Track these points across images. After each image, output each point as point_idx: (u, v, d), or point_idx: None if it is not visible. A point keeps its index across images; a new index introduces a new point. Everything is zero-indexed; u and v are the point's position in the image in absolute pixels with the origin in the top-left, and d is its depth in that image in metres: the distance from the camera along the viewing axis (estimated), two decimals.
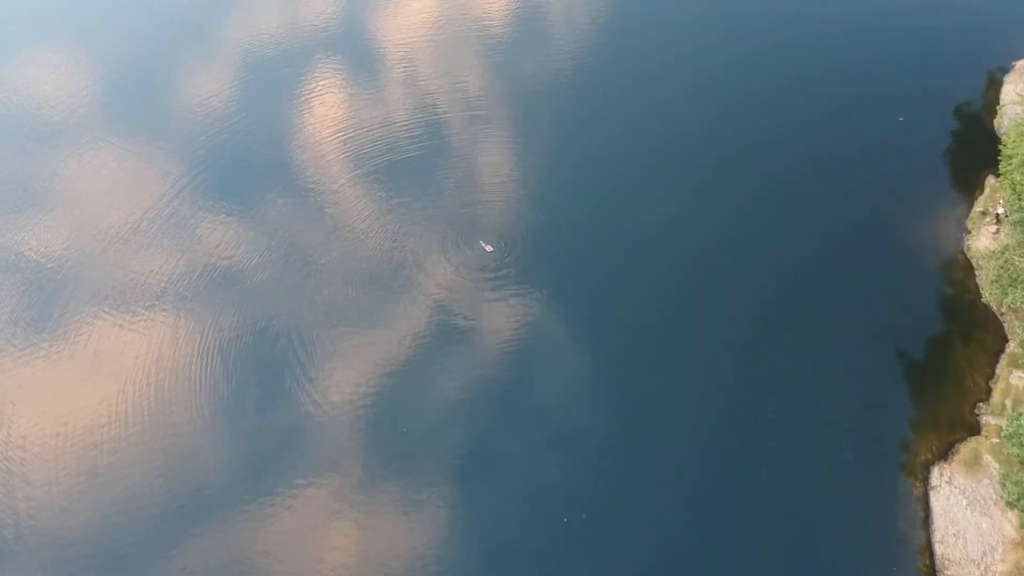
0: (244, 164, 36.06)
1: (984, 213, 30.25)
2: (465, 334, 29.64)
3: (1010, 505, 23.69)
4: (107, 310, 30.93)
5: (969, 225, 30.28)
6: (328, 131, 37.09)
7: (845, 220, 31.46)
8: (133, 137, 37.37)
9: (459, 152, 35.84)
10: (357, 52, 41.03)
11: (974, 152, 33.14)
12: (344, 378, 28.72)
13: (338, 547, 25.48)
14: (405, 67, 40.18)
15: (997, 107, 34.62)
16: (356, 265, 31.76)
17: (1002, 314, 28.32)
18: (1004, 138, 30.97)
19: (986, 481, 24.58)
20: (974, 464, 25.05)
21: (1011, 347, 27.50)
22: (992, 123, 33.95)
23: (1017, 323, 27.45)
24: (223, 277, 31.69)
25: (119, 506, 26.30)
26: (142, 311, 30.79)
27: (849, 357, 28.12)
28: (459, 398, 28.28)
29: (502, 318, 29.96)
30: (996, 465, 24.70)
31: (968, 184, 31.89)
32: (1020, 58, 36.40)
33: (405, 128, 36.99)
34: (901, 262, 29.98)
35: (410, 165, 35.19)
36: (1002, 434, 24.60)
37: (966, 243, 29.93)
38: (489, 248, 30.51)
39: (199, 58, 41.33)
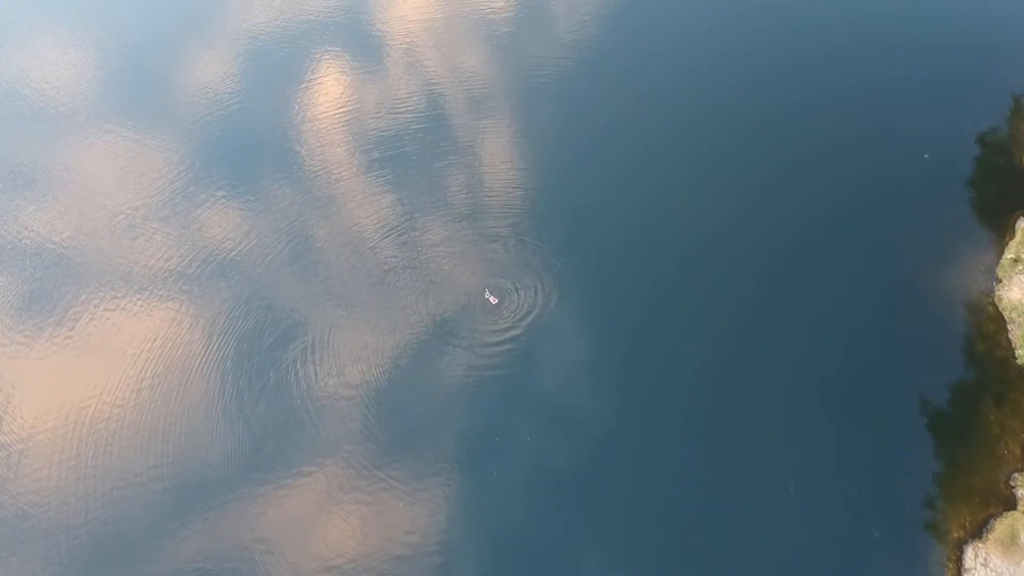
0: (249, 150, 35.96)
1: (1016, 260, 28.53)
2: (469, 325, 29.14)
3: None
4: (109, 296, 31.12)
5: (1000, 273, 28.56)
6: (333, 118, 36.87)
7: (863, 268, 29.78)
8: (136, 122, 37.43)
9: (464, 140, 35.44)
10: (362, 38, 40.53)
11: (1001, 190, 31.41)
12: (347, 365, 28.68)
13: (339, 533, 25.59)
14: (410, 54, 39.66)
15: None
16: (360, 254, 31.65)
17: None
18: None
19: None
20: (1011, 544, 23.57)
21: None
22: (1019, 156, 32.22)
23: None
24: (226, 263, 31.86)
25: (119, 493, 26.64)
26: (145, 297, 31.04)
27: (871, 420, 26.41)
28: (463, 386, 27.97)
29: (506, 313, 29.43)
30: None
31: (996, 226, 30.10)
32: None
33: (410, 116, 36.56)
34: (926, 313, 28.30)
35: (416, 153, 34.90)
36: None
37: (997, 293, 28.20)
38: (494, 300, 28.85)
39: (203, 44, 41.06)
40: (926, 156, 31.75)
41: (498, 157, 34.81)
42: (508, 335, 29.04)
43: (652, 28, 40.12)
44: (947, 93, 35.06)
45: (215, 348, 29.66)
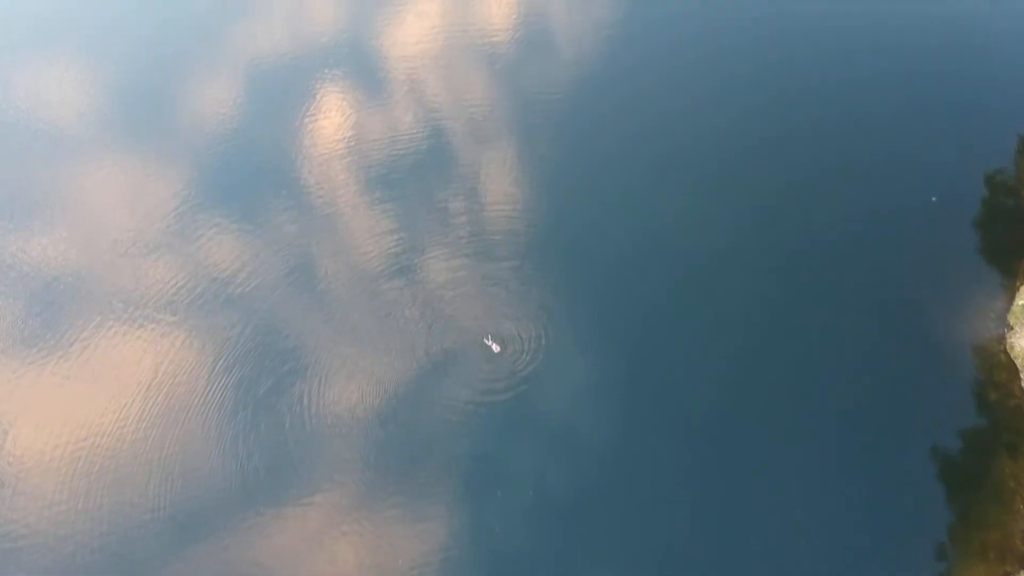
0: (251, 181, 35.69)
1: None
2: (471, 352, 28.82)
3: None
4: (109, 325, 30.68)
5: (1011, 320, 28.06)
6: (336, 149, 36.61)
7: (869, 311, 29.35)
8: (139, 151, 37.09)
9: (465, 169, 35.32)
10: (364, 68, 40.40)
11: (1010, 232, 31.02)
12: (347, 392, 28.23)
13: (339, 559, 25.20)
14: (412, 86, 39.48)
15: None
16: (362, 286, 31.29)
17: None
18: None
19: None
20: None
21: None
22: None
23: None
24: (227, 294, 31.49)
25: (117, 524, 26.15)
26: (145, 327, 30.58)
27: (880, 469, 25.80)
28: (465, 414, 27.56)
29: (510, 322, 29.32)
30: None
31: (1007, 270, 29.64)
32: None
33: (411, 147, 36.34)
34: (935, 360, 27.80)
35: (418, 184, 34.67)
36: None
37: (1008, 341, 27.69)
38: (496, 348, 28.29)
39: (205, 73, 40.86)
40: (934, 199, 31.39)
41: (500, 187, 34.56)
42: (510, 369, 28.55)
43: (654, 57, 40.01)
44: (953, 129, 34.80)
45: (216, 379, 29.25)
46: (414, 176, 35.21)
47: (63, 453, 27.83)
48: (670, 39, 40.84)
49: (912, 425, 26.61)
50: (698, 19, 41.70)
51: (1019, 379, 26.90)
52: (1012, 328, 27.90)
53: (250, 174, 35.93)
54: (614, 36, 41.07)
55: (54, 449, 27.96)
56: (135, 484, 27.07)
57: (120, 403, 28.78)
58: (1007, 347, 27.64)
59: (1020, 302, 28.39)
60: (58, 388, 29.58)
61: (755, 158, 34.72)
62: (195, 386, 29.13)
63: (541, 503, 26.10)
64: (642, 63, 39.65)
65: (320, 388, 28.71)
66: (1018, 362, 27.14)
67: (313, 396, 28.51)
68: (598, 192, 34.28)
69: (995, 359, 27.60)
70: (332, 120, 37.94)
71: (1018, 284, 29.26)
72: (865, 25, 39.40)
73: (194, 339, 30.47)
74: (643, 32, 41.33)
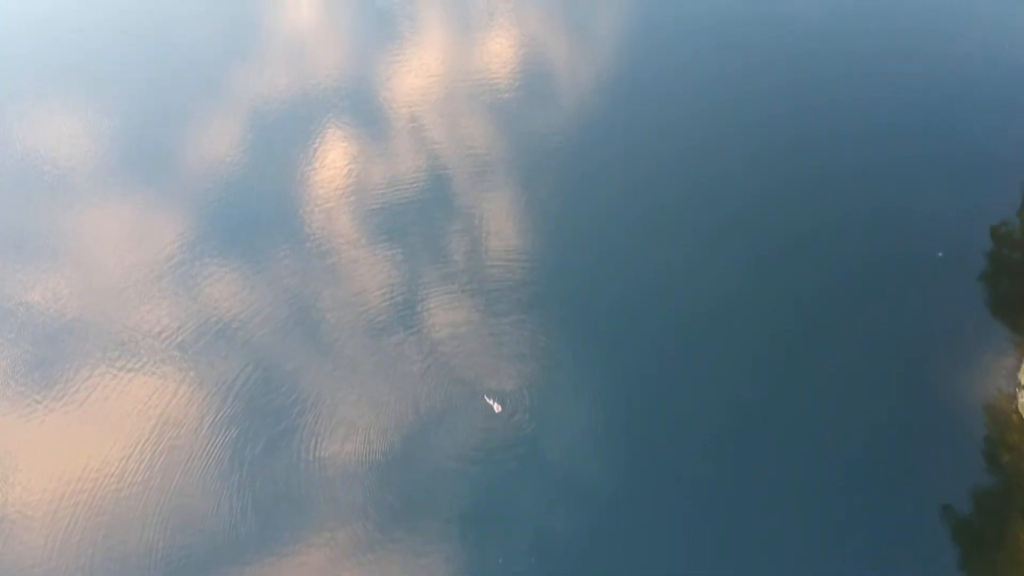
0: (253, 222, 35.71)
1: None
2: (474, 386, 28.78)
3: None
4: (109, 366, 30.60)
5: (1021, 379, 27.63)
6: (338, 190, 36.70)
7: (875, 369, 28.90)
8: (140, 191, 37.20)
9: (467, 217, 35.28)
10: (366, 116, 40.51)
11: (1017, 286, 30.77)
12: (348, 438, 27.97)
13: None
14: (414, 129, 39.57)
15: None
16: (364, 330, 31.17)
17: None
18: None
19: None
20: None
21: None
22: None
23: None
24: (228, 334, 31.43)
25: (113, 566, 25.89)
26: (145, 367, 30.47)
27: (891, 532, 25.27)
28: (466, 459, 27.25)
29: (511, 378, 29.01)
30: None
31: (1015, 325, 29.23)
32: None
33: (413, 190, 36.47)
34: (946, 420, 27.28)
35: (420, 228, 34.70)
36: None
37: (1020, 400, 27.21)
38: (497, 408, 27.83)
39: (208, 115, 41.06)
40: (940, 255, 31.11)
41: (502, 236, 34.42)
42: (511, 427, 28.07)
43: (656, 105, 40.02)
44: (956, 181, 34.65)
45: (215, 420, 28.96)
46: (416, 224, 35.01)
47: (59, 497, 27.45)
48: (673, 88, 40.83)
49: (922, 486, 26.04)
50: (701, 68, 41.74)
51: None
52: (1023, 387, 27.48)
53: (252, 220, 35.83)
54: (616, 85, 41.10)
55: (50, 493, 27.58)
56: (131, 531, 26.64)
57: (118, 448, 28.45)
58: (1018, 407, 27.17)
59: None
60: (55, 432, 29.23)
61: (757, 209, 34.50)
62: (194, 432, 28.80)
63: (541, 555, 25.55)
64: (644, 112, 39.62)
65: (320, 435, 28.30)
66: None
67: (312, 444, 28.11)
68: (600, 241, 34.02)
69: (1006, 419, 27.12)
70: (334, 166, 37.88)
71: None
72: (868, 77, 39.47)
73: (194, 384, 30.17)
74: (646, 81, 41.36)
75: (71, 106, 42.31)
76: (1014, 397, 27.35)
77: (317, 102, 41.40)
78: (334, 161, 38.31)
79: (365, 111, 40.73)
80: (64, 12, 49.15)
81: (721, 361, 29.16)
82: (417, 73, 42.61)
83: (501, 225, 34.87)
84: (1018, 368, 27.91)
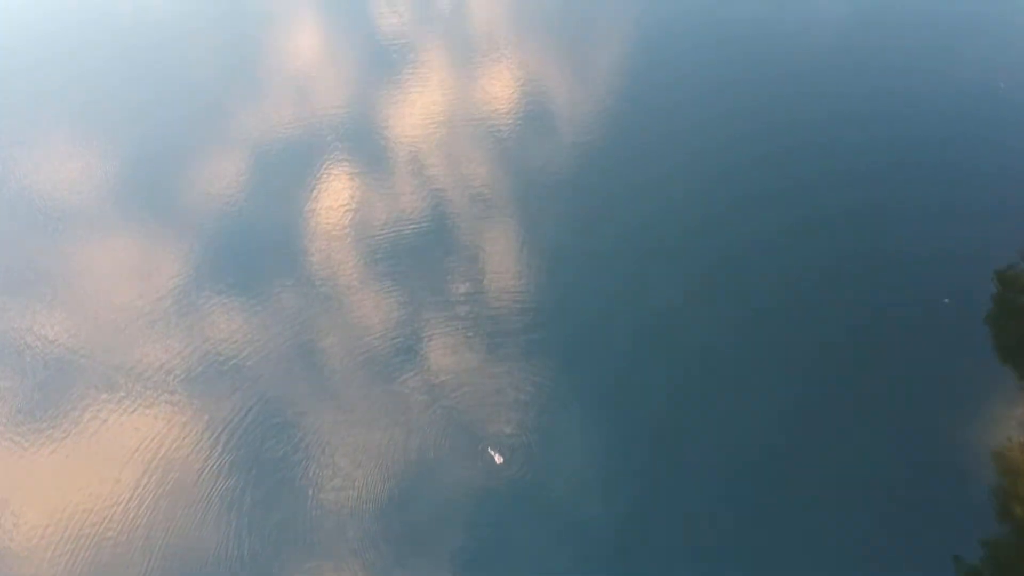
0: (255, 256, 35.60)
1: None
2: (476, 433, 28.46)
3: None
4: (110, 401, 30.44)
5: None
6: (338, 224, 36.64)
7: (883, 416, 28.56)
8: (142, 226, 37.17)
9: (469, 251, 35.21)
10: (368, 150, 40.52)
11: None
12: (349, 473, 27.85)
13: None
14: (416, 163, 39.62)
15: None
16: (364, 360, 31.04)
17: None
18: None
19: None
20: None
21: None
22: None
23: None
24: (229, 369, 31.25)
25: None
26: (146, 402, 30.33)
27: None
28: (468, 494, 27.13)
29: (513, 426, 28.68)
30: None
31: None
32: None
33: (415, 224, 36.40)
34: (955, 471, 26.73)
35: (422, 263, 34.65)
36: None
37: None
38: (499, 459, 27.48)
39: (210, 149, 41.02)
40: (946, 301, 30.87)
41: (505, 271, 34.33)
42: (514, 472, 27.75)
43: (660, 142, 39.89)
44: (961, 224, 34.47)
45: (216, 455, 28.80)
46: (417, 263, 34.91)
47: (56, 536, 27.18)
48: (676, 126, 40.80)
49: (932, 537, 25.55)
50: (705, 105, 41.71)
51: None
52: None
53: (253, 257, 35.78)
54: (619, 123, 41.06)
55: (47, 532, 27.30)
56: (131, 570, 26.42)
57: (116, 488, 28.20)
58: None
59: None
60: (53, 470, 28.98)
61: (760, 253, 34.27)
62: (194, 472, 28.52)
63: None
64: (647, 149, 39.52)
65: (319, 480, 28.02)
66: None
67: (312, 488, 27.83)
68: (604, 280, 33.81)
69: (1017, 468, 26.67)
70: (336, 204, 37.88)
71: None
72: (870, 118, 39.47)
73: (194, 423, 29.89)
74: (648, 118, 41.34)
75: (70, 141, 42.35)
76: None
77: (319, 138, 41.44)
78: (335, 198, 38.20)
79: (366, 148, 40.71)
80: (65, 48, 49.45)
81: (728, 409, 28.80)
82: (418, 109, 42.66)
83: (503, 264, 34.69)
84: None
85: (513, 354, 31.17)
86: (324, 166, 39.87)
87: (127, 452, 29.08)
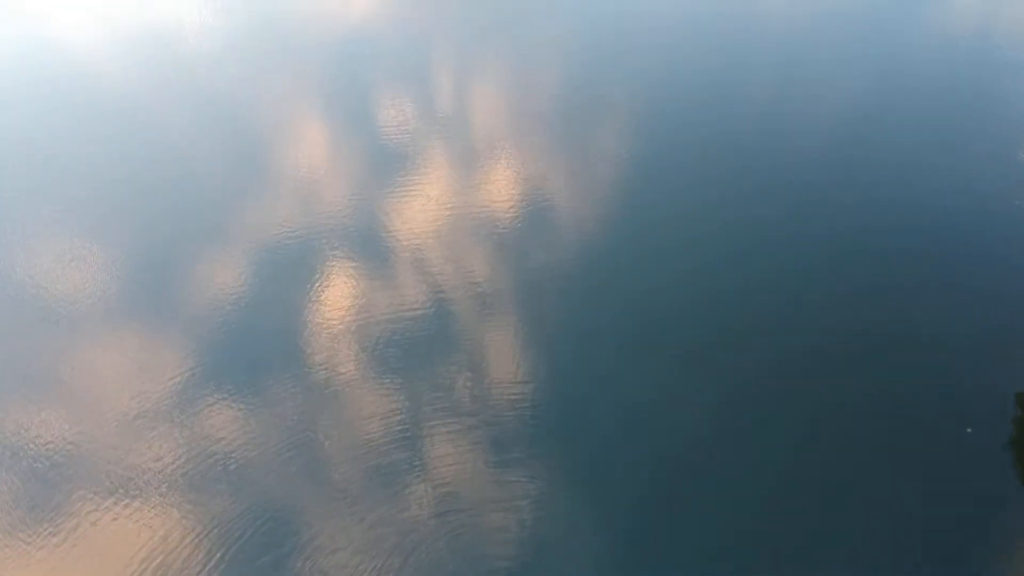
0: (255, 354, 34.42)
1: None
2: (474, 524, 26.81)
3: None
4: (106, 502, 29.18)
5: None
6: (338, 321, 35.63)
7: (906, 558, 26.41)
8: (142, 323, 36.39)
9: (470, 344, 33.79)
10: (367, 247, 39.61)
11: None
12: (351, 569, 26.20)
13: None
14: (417, 260, 38.83)
15: None
16: (363, 457, 29.72)
17: None
18: None
19: None
20: None
21: None
22: None
23: None
24: (228, 466, 30.12)
25: None
26: (144, 503, 29.03)
27: None
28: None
29: (510, 509, 26.78)
30: None
31: None
32: None
33: (416, 322, 35.37)
34: None
35: (421, 356, 33.12)
36: None
37: None
38: None
39: (211, 247, 40.52)
40: (969, 431, 28.73)
41: (505, 366, 32.72)
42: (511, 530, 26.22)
43: (661, 238, 38.85)
44: (981, 346, 32.72)
45: (214, 560, 27.34)
46: (419, 362, 33.55)
47: None
48: (679, 226, 39.80)
49: None
50: (706, 196, 40.54)
51: None
52: None
53: (254, 354, 34.57)
54: (621, 220, 40.39)
55: None
56: None
57: None
58: None
59: None
60: (50, 573, 28.16)
61: (777, 377, 32.33)
62: (193, 567, 27.58)
63: None
64: (650, 246, 38.55)
65: (325, 554, 26.92)
66: None
67: (317, 561, 26.74)
68: (607, 378, 32.52)
69: None
70: (337, 300, 36.78)
71: None
72: (886, 227, 37.98)
73: (193, 525, 28.64)
74: (651, 216, 40.37)
75: (66, 237, 41.33)
76: None
77: (319, 238, 40.13)
78: (336, 297, 36.66)
79: (366, 247, 39.48)
80: (65, 146, 49.80)
81: (724, 515, 26.95)
82: (418, 208, 41.73)
83: (505, 363, 33.39)
84: None
85: (516, 460, 29.97)
86: (325, 266, 38.70)
87: (124, 557, 28.21)
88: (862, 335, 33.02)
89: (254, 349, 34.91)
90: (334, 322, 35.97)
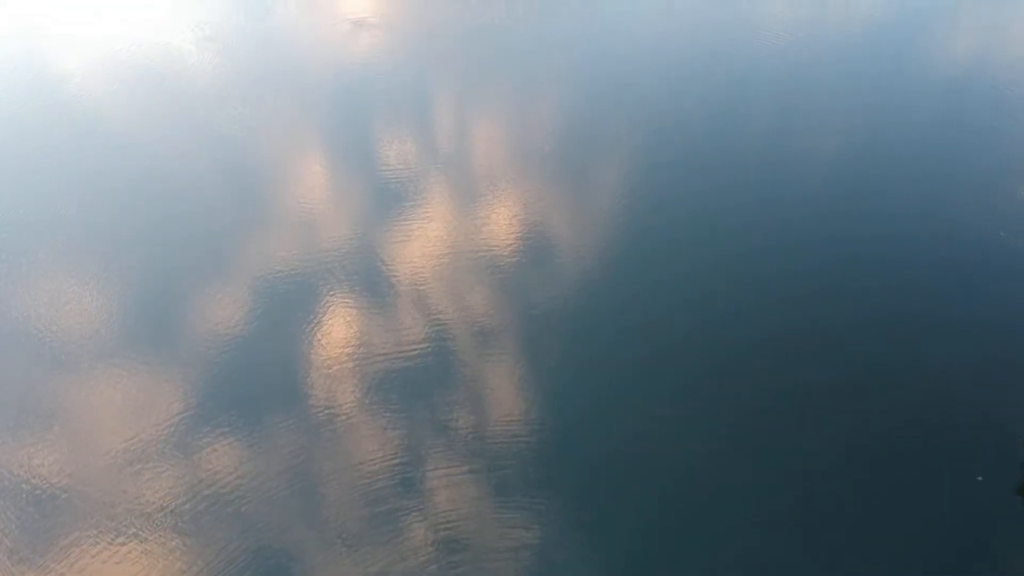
0: (254, 391, 34.04)
1: None
2: (473, 558, 26.38)
3: None
4: (104, 541, 29.29)
5: None
6: (340, 360, 35.34)
7: None
8: (140, 361, 36.13)
9: (469, 382, 33.56)
10: (367, 284, 39.65)
11: None
12: None
13: None
14: (418, 298, 38.80)
15: None
16: (362, 500, 29.52)
17: None
18: None
19: None
20: None
21: None
22: None
23: None
24: (227, 506, 30.01)
25: None
26: (142, 542, 29.04)
27: None
28: None
29: (509, 544, 26.29)
30: None
31: None
32: None
33: (417, 359, 35.32)
34: None
35: (421, 393, 32.98)
36: None
37: None
38: None
39: (209, 284, 40.48)
40: (980, 479, 26.67)
41: (504, 404, 31.70)
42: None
43: (664, 273, 38.26)
44: (985, 388, 31.18)
45: None
46: (420, 397, 32.87)
47: None
48: (679, 262, 39.03)
49: None
50: (709, 244, 40.00)
51: None
52: None
53: (254, 392, 34.03)
54: (621, 258, 39.80)
55: None
56: None
57: None
58: None
59: None
60: None
61: (793, 422, 30.80)
62: None
63: None
64: (650, 284, 37.81)
65: None
66: None
67: None
68: (609, 416, 31.18)
69: None
70: (337, 337, 36.37)
71: None
72: (886, 274, 36.92)
73: (188, 563, 27.16)
74: (651, 253, 40.04)
75: (66, 275, 41.74)
76: None
77: (319, 275, 40.61)
78: (336, 334, 36.94)
79: (367, 284, 39.81)
80: (65, 185, 49.60)
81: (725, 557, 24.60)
82: (418, 243, 41.88)
83: (505, 401, 32.16)
84: None
85: (518, 499, 28.43)
86: (324, 304, 38.65)
87: None
88: (863, 370, 31.72)
89: (253, 387, 34.06)
90: (333, 361, 35.12)
